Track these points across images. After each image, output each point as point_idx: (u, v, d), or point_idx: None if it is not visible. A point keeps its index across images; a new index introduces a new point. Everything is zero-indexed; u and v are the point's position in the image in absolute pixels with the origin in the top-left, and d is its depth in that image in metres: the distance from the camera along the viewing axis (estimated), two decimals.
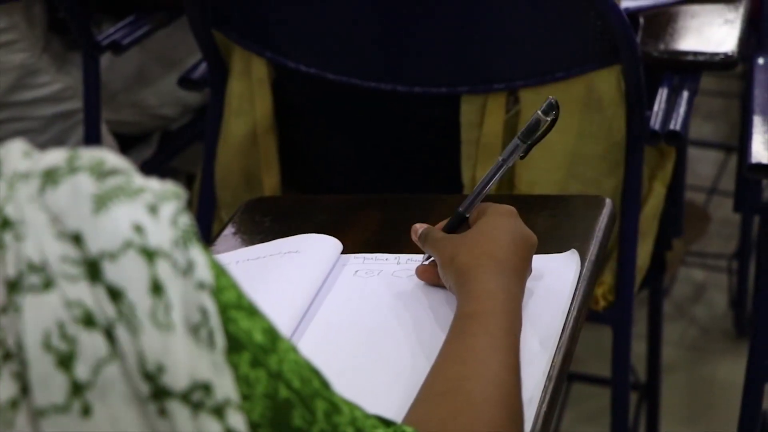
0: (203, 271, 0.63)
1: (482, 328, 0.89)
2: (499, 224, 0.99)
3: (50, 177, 0.63)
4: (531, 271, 1.00)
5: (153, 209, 0.63)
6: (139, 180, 0.64)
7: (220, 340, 0.63)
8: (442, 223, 1.05)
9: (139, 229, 0.62)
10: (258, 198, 1.38)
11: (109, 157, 0.64)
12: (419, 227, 1.05)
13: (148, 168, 2.06)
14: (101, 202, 0.62)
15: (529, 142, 1.01)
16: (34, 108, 1.89)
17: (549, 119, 1.00)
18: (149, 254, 0.61)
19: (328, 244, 1.13)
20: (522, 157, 1.03)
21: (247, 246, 1.18)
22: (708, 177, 2.90)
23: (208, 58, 1.62)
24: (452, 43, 1.46)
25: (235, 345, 0.65)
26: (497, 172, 1.03)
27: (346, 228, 1.18)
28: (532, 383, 0.92)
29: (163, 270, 0.62)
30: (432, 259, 1.04)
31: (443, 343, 0.89)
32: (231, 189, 1.64)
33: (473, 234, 0.99)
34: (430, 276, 1.04)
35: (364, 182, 1.63)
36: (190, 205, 1.76)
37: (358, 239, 1.15)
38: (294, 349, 0.69)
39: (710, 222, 2.63)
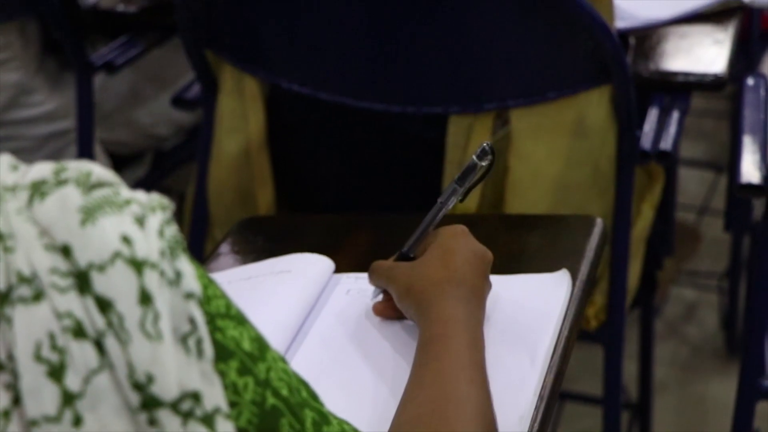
0: (191, 281, 0.64)
1: (444, 350, 0.89)
2: (452, 246, 1.00)
3: (38, 190, 0.63)
4: (490, 286, 1.01)
5: (140, 221, 0.63)
6: (125, 192, 0.65)
7: (209, 349, 0.64)
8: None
9: (127, 240, 0.62)
10: (251, 217, 1.39)
11: (96, 169, 0.65)
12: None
13: (141, 187, 2.06)
14: (89, 214, 0.62)
15: (466, 186, 1.03)
16: (28, 127, 1.89)
17: (484, 164, 1.01)
18: (137, 265, 0.62)
19: (321, 264, 1.13)
20: (461, 200, 1.04)
21: (240, 265, 1.19)
22: (699, 196, 2.91)
23: (200, 78, 1.62)
24: (445, 63, 1.47)
25: (222, 354, 0.65)
26: (437, 214, 1.04)
27: (338, 247, 1.18)
28: (523, 402, 0.92)
29: (152, 280, 0.62)
30: (381, 293, 1.05)
31: (410, 372, 0.90)
32: (224, 207, 1.64)
33: (427, 260, 1.00)
34: (388, 312, 1.04)
35: (357, 200, 1.63)
36: (181, 222, 1.77)
37: (351, 258, 1.16)
38: (283, 359, 0.70)
39: (701, 241, 2.63)
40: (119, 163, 2.06)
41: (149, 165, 2.14)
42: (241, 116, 1.58)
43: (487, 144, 1.02)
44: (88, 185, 0.64)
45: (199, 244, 1.67)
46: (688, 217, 2.80)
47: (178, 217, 1.87)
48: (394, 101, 1.49)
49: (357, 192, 1.63)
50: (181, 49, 1.60)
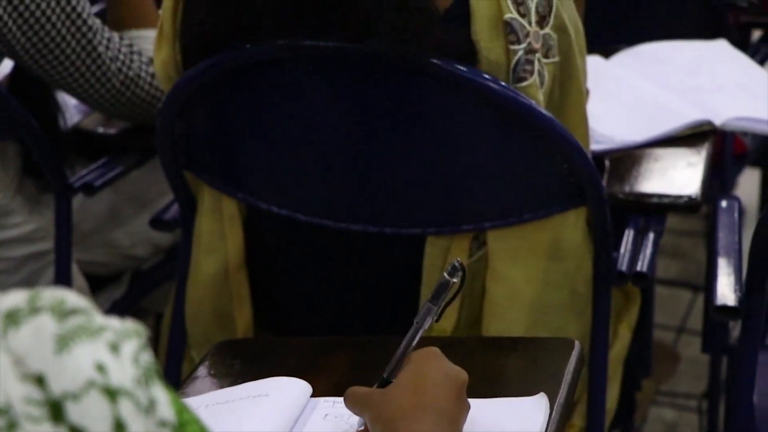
0: (165, 409, 0.63)
1: None
2: (423, 369, 1.00)
3: (12, 318, 0.63)
4: (468, 406, 1.00)
5: (114, 348, 0.63)
6: (99, 319, 0.65)
7: None
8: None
9: (101, 368, 0.62)
10: (228, 340, 1.39)
11: (70, 296, 0.65)
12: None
13: (118, 308, 2.05)
14: (63, 343, 0.62)
15: (440, 304, 1.03)
16: (6, 249, 1.89)
17: (456, 281, 1.02)
18: (112, 393, 0.62)
19: (298, 388, 1.12)
20: (436, 320, 1.05)
21: (217, 389, 1.18)
22: (676, 316, 2.92)
23: (179, 199, 1.63)
24: (422, 185, 1.48)
25: None
26: (414, 336, 1.04)
27: (316, 371, 1.18)
28: None
29: (126, 409, 0.62)
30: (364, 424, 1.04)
31: None
32: (202, 327, 1.63)
33: (397, 385, 1.00)
34: None
35: (335, 320, 1.63)
36: (159, 342, 1.76)
37: (328, 382, 1.15)
38: None
39: (680, 361, 2.63)
40: (96, 284, 2.05)
41: (126, 285, 2.13)
42: (219, 237, 1.59)
43: (458, 261, 1.03)
44: (63, 313, 0.64)
45: (176, 366, 1.66)
46: (665, 337, 2.80)
47: (156, 337, 1.87)
48: (371, 222, 1.50)
49: (335, 312, 1.63)
50: (160, 169, 1.62)
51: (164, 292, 2.05)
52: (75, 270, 1.91)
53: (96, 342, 0.63)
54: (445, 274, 1.03)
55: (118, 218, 2.07)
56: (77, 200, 1.90)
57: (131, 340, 0.64)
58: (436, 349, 1.02)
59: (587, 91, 1.55)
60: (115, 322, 0.65)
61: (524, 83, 1.40)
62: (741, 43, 2.40)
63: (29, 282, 1.89)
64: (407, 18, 1.35)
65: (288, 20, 1.39)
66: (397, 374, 1.03)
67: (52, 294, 0.65)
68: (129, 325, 0.65)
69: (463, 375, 1.00)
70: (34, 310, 0.64)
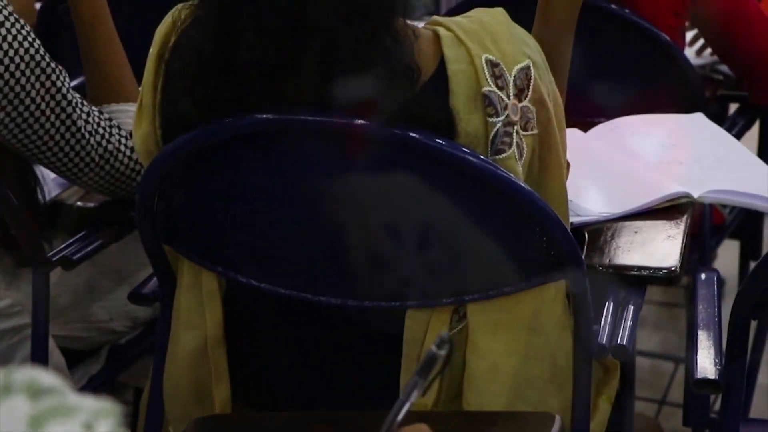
0: None
1: None
2: None
3: None
4: None
5: (89, 428, 0.63)
6: (74, 398, 0.64)
7: None
8: None
9: None
10: (206, 416, 1.37)
11: (44, 375, 0.65)
12: None
13: (95, 383, 2.03)
14: (37, 424, 0.62)
15: (429, 378, 1.03)
16: None
17: (443, 353, 1.02)
18: None
19: None
20: (422, 395, 1.04)
21: None
22: (658, 388, 2.91)
23: (158, 273, 1.63)
24: (401, 259, 1.48)
25: None
26: (400, 410, 1.03)
27: None
28: None
29: None
30: None
31: None
32: (180, 403, 1.62)
33: None
34: None
35: (314, 395, 1.62)
36: (137, 417, 1.74)
37: None
38: None
39: None
40: (74, 358, 2.03)
41: (104, 360, 2.11)
42: (198, 313, 1.58)
43: (445, 333, 1.02)
44: (36, 393, 0.63)
45: None
46: (647, 409, 2.79)
47: (135, 412, 1.85)
48: (351, 296, 1.50)
49: (315, 386, 1.62)
50: (139, 243, 1.61)
51: (143, 366, 2.04)
52: (52, 345, 1.89)
53: (70, 422, 0.62)
54: (433, 347, 1.02)
55: (97, 292, 2.06)
56: (55, 274, 1.89)
57: (106, 419, 0.64)
58: (425, 427, 1.02)
59: (568, 165, 1.56)
60: (89, 402, 0.64)
61: (502, 155, 1.41)
62: (718, 116, 2.43)
63: (5, 357, 1.88)
64: (392, 75, 1.35)
65: (269, 93, 1.40)
66: None
67: (26, 373, 0.65)
68: (104, 404, 0.65)
69: None
70: (7, 389, 0.63)
